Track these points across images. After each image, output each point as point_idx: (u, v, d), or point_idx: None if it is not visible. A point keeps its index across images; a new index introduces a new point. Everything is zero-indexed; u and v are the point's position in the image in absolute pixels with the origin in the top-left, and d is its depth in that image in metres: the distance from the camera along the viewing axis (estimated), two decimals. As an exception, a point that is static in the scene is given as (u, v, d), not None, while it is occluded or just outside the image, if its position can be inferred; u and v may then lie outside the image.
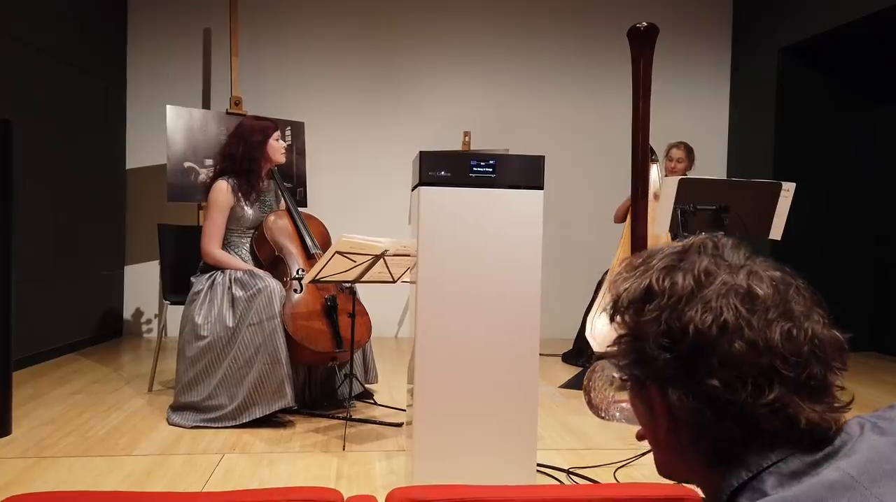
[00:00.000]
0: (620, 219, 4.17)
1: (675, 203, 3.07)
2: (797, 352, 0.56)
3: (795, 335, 0.56)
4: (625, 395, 0.78)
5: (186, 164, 4.09)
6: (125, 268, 4.94)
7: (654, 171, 4.00)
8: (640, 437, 0.69)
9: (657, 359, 0.58)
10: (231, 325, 2.66)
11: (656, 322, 0.58)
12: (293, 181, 4.42)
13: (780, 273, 0.61)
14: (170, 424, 2.64)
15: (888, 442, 0.55)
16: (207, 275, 2.85)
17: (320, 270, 2.38)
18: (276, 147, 3.01)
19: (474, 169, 1.91)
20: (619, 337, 0.63)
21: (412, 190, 2.08)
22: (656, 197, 3.63)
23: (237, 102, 4.50)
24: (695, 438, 0.59)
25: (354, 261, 2.39)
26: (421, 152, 1.91)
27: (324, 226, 3.18)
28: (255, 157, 2.95)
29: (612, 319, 0.64)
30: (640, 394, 0.64)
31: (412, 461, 1.92)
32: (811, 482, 0.52)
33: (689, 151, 4.02)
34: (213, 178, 3.00)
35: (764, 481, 0.54)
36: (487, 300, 1.91)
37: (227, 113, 4.40)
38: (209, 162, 4.09)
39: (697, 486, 0.64)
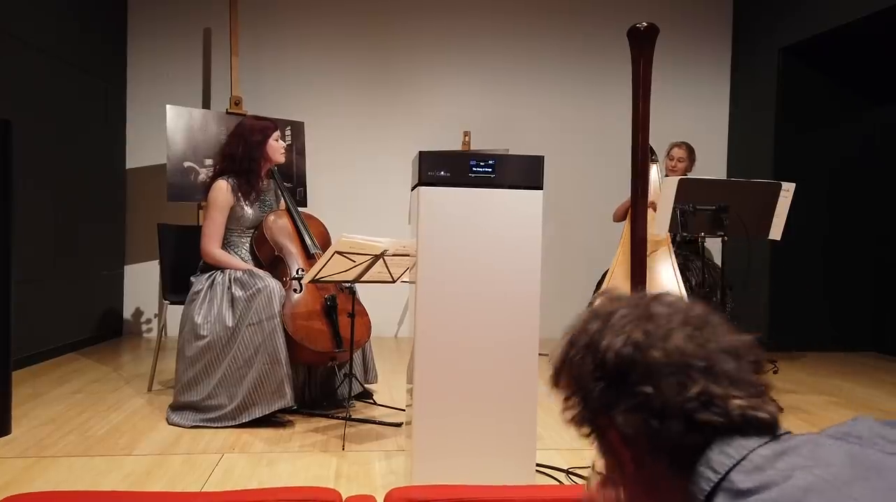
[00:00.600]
0: (620, 218, 4.17)
1: (675, 203, 3.07)
2: (703, 347, 0.64)
3: (696, 336, 0.65)
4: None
5: (186, 164, 4.09)
6: (125, 267, 4.94)
7: (654, 171, 4.00)
8: None
9: (594, 391, 0.67)
10: (231, 325, 2.66)
11: (583, 362, 0.68)
12: (293, 181, 4.42)
13: (674, 298, 0.71)
14: (169, 424, 2.64)
15: (857, 450, 0.59)
16: (207, 275, 2.85)
17: (320, 270, 2.38)
18: (276, 147, 3.01)
19: (474, 169, 1.91)
20: (566, 397, 0.71)
21: (412, 190, 2.08)
22: (653, 206, 3.61)
23: (237, 102, 4.50)
24: (651, 450, 0.65)
25: (354, 261, 2.39)
26: (420, 152, 1.91)
27: (323, 225, 3.18)
28: (254, 157, 2.95)
29: (554, 385, 0.73)
30: (601, 438, 0.70)
31: (411, 461, 1.92)
32: (786, 486, 0.55)
33: (691, 151, 4.02)
34: (213, 178, 3.00)
35: (732, 481, 0.59)
36: (487, 300, 1.91)
37: (227, 113, 4.40)
38: (209, 161, 4.09)
39: None
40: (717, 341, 0.65)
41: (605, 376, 0.66)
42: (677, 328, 0.65)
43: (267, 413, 2.59)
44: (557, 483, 2.09)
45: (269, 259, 2.94)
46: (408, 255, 2.43)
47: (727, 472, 0.59)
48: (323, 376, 3.00)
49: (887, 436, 0.60)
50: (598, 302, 0.74)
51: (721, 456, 0.60)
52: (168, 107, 4.08)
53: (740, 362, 0.65)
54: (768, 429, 0.62)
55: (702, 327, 0.66)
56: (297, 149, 4.49)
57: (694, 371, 0.63)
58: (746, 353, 0.66)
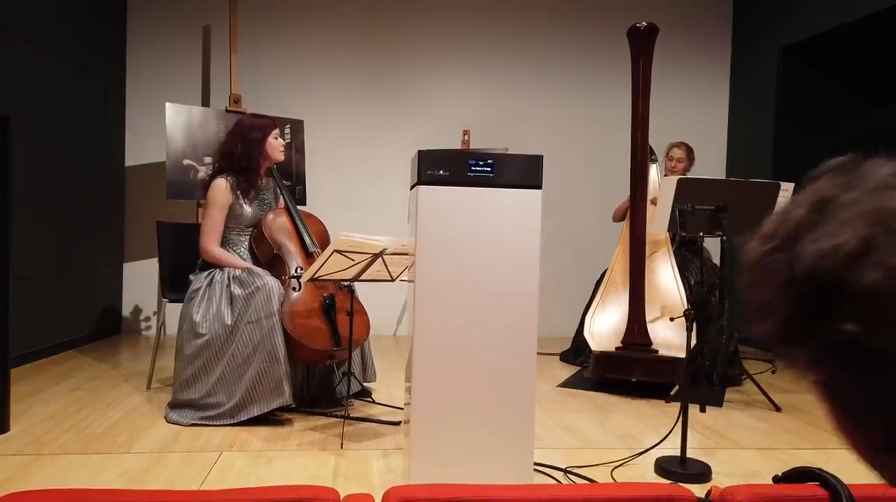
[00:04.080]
0: (619, 218, 4.17)
1: (674, 203, 3.07)
2: None
3: None
4: None
5: (185, 162, 4.09)
6: (124, 265, 4.94)
7: (654, 171, 4.00)
8: None
9: (782, 312, 0.45)
10: (229, 323, 2.66)
11: (773, 267, 0.46)
12: (292, 179, 4.42)
13: None
14: (168, 422, 2.64)
15: None
16: (206, 273, 2.85)
17: (319, 268, 2.38)
18: (275, 145, 3.00)
19: (473, 168, 1.91)
20: (754, 305, 0.49)
21: (411, 188, 2.08)
22: (653, 201, 3.62)
23: (236, 100, 4.50)
24: (859, 413, 0.44)
25: (353, 260, 2.39)
26: (420, 151, 1.91)
27: (323, 224, 3.18)
28: (253, 155, 2.95)
29: (744, 285, 0.52)
30: (815, 387, 0.47)
31: (409, 459, 1.92)
32: None
33: (689, 151, 4.01)
34: (212, 176, 2.99)
35: None
36: (486, 299, 1.91)
37: (227, 110, 4.39)
38: (208, 159, 4.09)
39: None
40: None
41: (796, 295, 0.44)
42: None
43: (265, 411, 2.59)
44: (555, 482, 2.09)
45: (268, 257, 2.94)
46: (407, 254, 2.43)
47: None
48: (321, 374, 3.00)
49: None
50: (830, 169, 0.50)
51: None
52: (167, 104, 4.07)
53: None
54: None
55: None
56: (296, 147, 4.49)
57: None
58: None
